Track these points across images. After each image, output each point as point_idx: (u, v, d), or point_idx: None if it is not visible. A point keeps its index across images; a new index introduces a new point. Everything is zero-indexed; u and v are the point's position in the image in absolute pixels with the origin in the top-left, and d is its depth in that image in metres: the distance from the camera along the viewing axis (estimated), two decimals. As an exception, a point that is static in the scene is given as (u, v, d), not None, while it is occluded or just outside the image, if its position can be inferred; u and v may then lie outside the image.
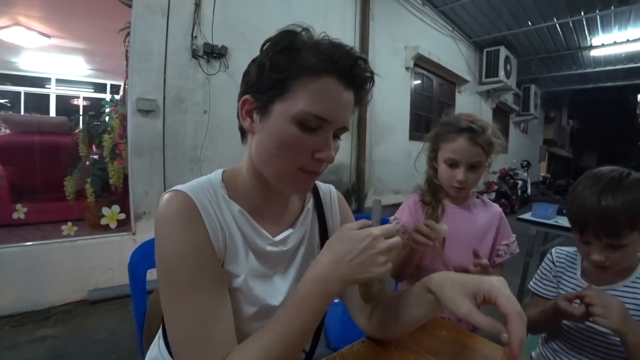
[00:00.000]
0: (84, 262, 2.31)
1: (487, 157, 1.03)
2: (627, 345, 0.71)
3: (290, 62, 0.55)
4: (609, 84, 9.10)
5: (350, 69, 0.57)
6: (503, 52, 6.44)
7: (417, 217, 1.09)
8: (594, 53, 6.92)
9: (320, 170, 0.63)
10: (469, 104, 6.57)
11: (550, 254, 1.01)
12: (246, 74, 0.62)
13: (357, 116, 3.88)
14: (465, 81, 6.10)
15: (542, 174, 11.92)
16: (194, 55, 2.64)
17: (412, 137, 4.95)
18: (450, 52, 5.85)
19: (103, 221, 2.49)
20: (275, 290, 0.68)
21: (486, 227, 1.09)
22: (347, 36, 3.84)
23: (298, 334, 0.54)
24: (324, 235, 0.79)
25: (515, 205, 6.81)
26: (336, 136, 0.62)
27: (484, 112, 7.16)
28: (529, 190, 7.81)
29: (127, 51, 2.58)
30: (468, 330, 1.07)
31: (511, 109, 8.64)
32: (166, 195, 0.60)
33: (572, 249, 0.98)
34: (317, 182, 0.81)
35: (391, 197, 4.59)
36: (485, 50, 6.60)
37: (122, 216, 2.54)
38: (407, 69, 4.79)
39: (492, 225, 1.09)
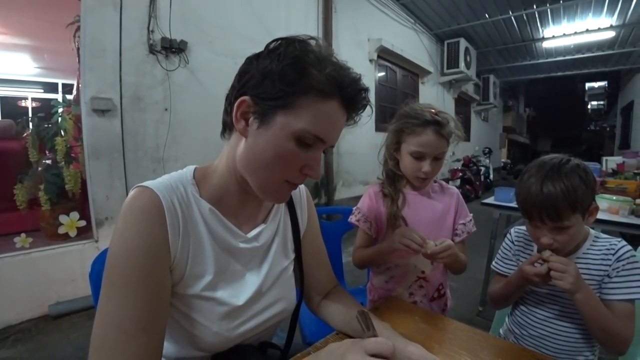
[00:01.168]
0: (42, 275, 2.16)
1: (448, 147, 1.06)
2: (576, 301, 0.80)
3: (300, 78, 0.55)
4: (559, 73, 9.65)
5: (354, 98, 0.60)
6: (463, 43, 6.66)
7: (378, 207, 1.11)
8: (545, 44, 7.33)
9: (302, 183, 0.64)
10: (432, 94, 6.76)
11: (510, 234, 1.06)
12: (244, 72, 0.60)
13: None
14: (428, 72, 6.26)
15: (503, 160, 12.50)
16: (152, 50, 2.52)
17: (378, 128, 5.02)
18: (413, 44, 5.96)
19: (61, 230, 2.34)
20: (244, 289, 0.67)
21: (445, 210, 1.12)
22: (310, 29, 3.82)
23: None
24: (295, 230, 0.80)
25: (479, 191, 7.10)
26: (323, 151, 0.64)
27: (446, 102, 7.39)
28: (491, 176, 8.18)
29: (78, 47, 2.42)
30: (439, 312, 1.12)
31: (472, 99, 8.97)
32: (133, 191, 0.58)
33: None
34: None
35: (360, 189, 4.65)
36: (446, 42, 6.80)
37: (83, 223, 2.39)
38: (371, 61, 4.84)
39: (451, 207, 1.13)
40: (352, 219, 1.12)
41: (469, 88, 8.49)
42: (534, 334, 0.94)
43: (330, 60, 0.58)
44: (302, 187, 0.84)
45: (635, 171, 3.58)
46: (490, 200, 2.34)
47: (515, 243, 1.03)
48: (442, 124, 1.00)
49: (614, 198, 2.09)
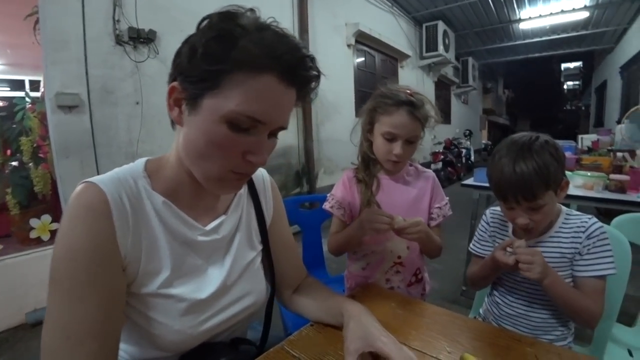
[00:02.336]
0: (16, 283, 2.07)
1: (423, 131, 1.03)
2: (544, 287, 0.82)
3: (226, 53, 0.49)
4: (536, 54, 9.78)
5: (294, 68, 0.52)
6: (441, 26, 6.64)
7: (352, 193, 1.09)
8: (522, 26, 7.38)
9: (252, 172, 0.59)
10: (411, 78, 6.75)
11: (485, 215, 1.06)
12: (177, 54, 0.55)
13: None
14: (407, 56, 6.24)
15: (484, 141, 12.69)
16: (119, 41, 2.40)
17: (359, 114, 4.97)
18: (391, 28, 5.91)
19: (33, 234, 2.24)
20: (207, 283, 0.64)
21: (421, 194, 1.10)
22: (286, 15, 3.72)
23: None
24: (260, 220, 0.76)
25: (461, 172, 7.20)
26: (272, 134, 0.58)
27: (426, 86, 7.41)
28: (472, 158, 8.29)
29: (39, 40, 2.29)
30: (417, 297, 1.12)
31: (452, 82, 9.01)
32: (78, 187, 0.54)
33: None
34: None
35: (342, 175, 4.59)
36: (424, 25, 6.77)
37: (55, 226, 2.30)
38: (349, 46, 4.78)
39: (426, 191, 1.11)
40: (326, 205, 1.10)
41: (449, 71, 8.53)
42: (511, 313, 0.95)
43: (265, 30, 0.52)
44: (265, 176, 0.81)
45: (609, 148, 3.67)
46: (469, 181, 2.35)
47: (491, 224, 1.03)
48: (416, 105, 0.97)
49: (589, 174, 2.14)
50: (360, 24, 4.73)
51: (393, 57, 6.08)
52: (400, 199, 1.07)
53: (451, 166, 6.78)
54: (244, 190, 0.75)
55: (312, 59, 0.55)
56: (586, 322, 0.84)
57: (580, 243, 0.85)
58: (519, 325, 0.94)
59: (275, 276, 0.80)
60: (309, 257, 1.56)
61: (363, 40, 5.07)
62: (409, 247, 1.07)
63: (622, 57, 7.57)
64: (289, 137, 3.77)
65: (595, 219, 0.87)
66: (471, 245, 1.08)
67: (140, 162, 0.62)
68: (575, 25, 7.38)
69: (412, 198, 1.09)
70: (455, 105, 9.71)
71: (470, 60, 9.15)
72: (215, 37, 0.49)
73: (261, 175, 0.80)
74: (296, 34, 3.83)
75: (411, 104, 0.97)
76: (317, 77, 0.58)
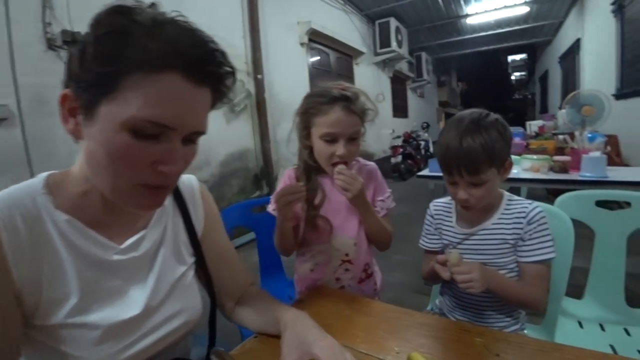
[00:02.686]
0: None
1: (363, 126, 0.98)
2: (490, 291, 0.82)
3: (119, 51, 0.43)
4: (484, 48, 10.22)
5: (201, 64, 0.47)
6: (393, 22, 6.76)
7: None
8: (469, 21, 7.71)
9: (171, 183, 0.53)
10: (367, 74, 6.84)
11: (429, 208, 1.06)
12: (69, 58, 0.48)
13: (254, 98, 3.74)
14: (361, 53, 6.28)
15: (442, 133, 13.10)
16: (51, 45, 2.20)
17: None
18: (344, 25, 5.94)
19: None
20: (128, 305, 0.57)
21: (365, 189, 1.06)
22: (235, 15, 3.62)
23: None
24: (191, 231, 0.70)
25: (421, 164, 7.38)
26: (191, 140, 0.52)
27: (382, 81, 7.54)
28: (431, 149, 8.53)
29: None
30: (370, 293, 1.10)
31: (407, 77, 9.23)
32: None
33: (447, 199, 1.03)
34: None
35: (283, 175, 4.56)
36: (377, 22, 6.87)
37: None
38: (302, 44, 4.74)
39: (370, 185, 1.08)
40: (270, 208, 1.04)
41: (403, 66, 8.72)
42: (462, 304, 0.96)
43: (166, 24, 0.46)
44: (194, 183, 0.75)
45: (553, 132, 3.92)
46: (425, 172, 2.39)
47: (435, 217, 1.03)
48: (351, 99, 0.92)
49: (535, 157, 2.24)
50: (313, 22, 4.69)
51: (348, 55, 6.11)
52: (343, 199, 0.99)
53: (411, 158, 6.94)
54: (168, 201, 0.68)
55: (223, 54, 0.50)
56: (534, 309, 0.87)
57: (522, 229, 0.86)
58: (470, 315, 0.94)
59: (214, 288, 0.74)
60: (266, 262, 1.51)
61: (316, 39, 5.05)
62: (356, 243, 1.05)
63: (560, 48, 8.13)
64: (244, 140, 3.69)
65: (535, 204, 0.89)
66: (420, 240, 1.08)
67: (41, 177, 0.55)
68: (517, 20, 7.80)
69: None
70: (412, 99, 9.96)
71: (424, 55, 9.41)
72: (105, 34, 0.43)
73: (189, 182, 0.74)
74: (247, 34, 3.75)
75: (346, 99, 0.92)
76: (232, 74, 0.53)
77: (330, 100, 0.92)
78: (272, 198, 1.03)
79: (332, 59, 5.65)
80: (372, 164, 1.13)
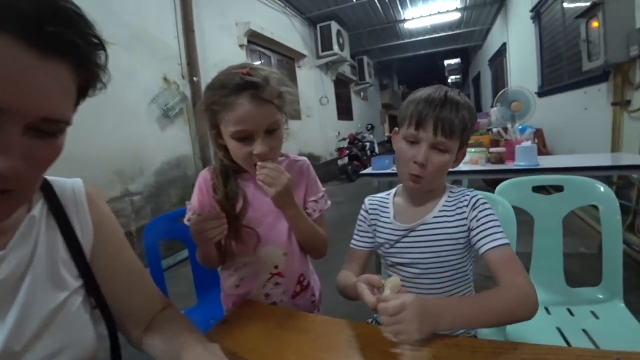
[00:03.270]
0: None
1: (282, 113, 0.82)
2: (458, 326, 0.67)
3: None
4: (422, 52, 10.69)
5: (43, 25, 0.34)
6: (334, 26, 6.81)
7: (210, 199, 0.88)
8: (407, 25, 8.01)
9: (14, 186, 0.38)
10: (310, 78, 6.83)
11: (364, 203, 0.95)
12: None
13: (191, 102, 3.51)
14: (303, 56, 6.25)
15: (387, 134, 13.51)
16: None
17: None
18: (285, 28, 5.86)
19: None
20: None
21: (295, 189, 0.89)
22: (167, 14, 3.37)
23: None
24: (73, 246, 0.55)
25: (367, 165, 7.50)
26: (44, 132, 0.38)
27: (325, 84, 7.57)
28: (376, 150, 8.74)
29: None
30: (307, 307, 0.98)
31: (350, 79, 9.36)
32: None
33: (383, 194, 0.95)
34: (52, 178, 0.57)
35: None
36: (318, 26, 6.87)
37: None
38: (241, 46, 4.57)
39: (301, 184, 0.95)
40: (186, 218, 0.88)
41: (346, 69, 8.84)
42: None
43: None
44: (77, 186, 0.59)
45: (488, 127, 4.16)
46: (368, 170, 2.38)
47: (370, 212, 0.92)
48: (260, 86, 0.75)
49: (473, 150, 2.34)
50: (252, 24, 4.55)
51: (290, 57, 6.04)
52: (269, 202, 0.84)
53: (357, 160, 7.01)
54: (38, 212, 0.53)
55: (84, 20, 0.38)
56: (530, 308, 0.63)
57: (466, 217, 0.79)
58: None
59: (114, 314, 0.60)
60: (200, 277, 1.34)
61: (256, 40, 4.91)
62: (286, 253, 0.92)
63: (489, 52, 8.80)
64: (181, 147, 3.43)
65: (475, 192, 0.84)
66: (352, 241, 0.94)
67: None
68: (450, 25, 8.25)
69: None
70: (356, 101, 10.13)
71: (365, 58, 9.61)
72: None
73: (71, 187, 0.58)
74: (180, 34, 3.52)
75: (253, 86, 0.74)
76: (99, 46, 0.40)
77: (235, 91, 0.75)
78: (188, 209, 0.89)
79: (274, 61, 5.53)
80: (303, 158, 1.00)
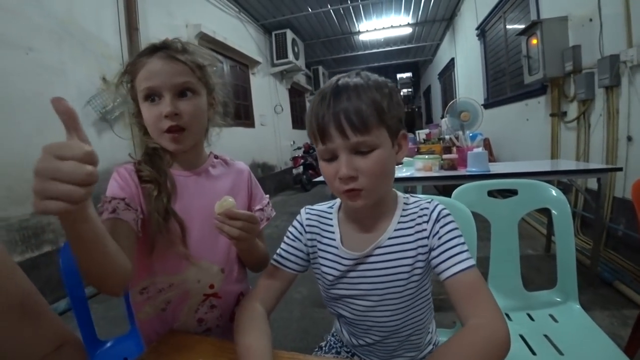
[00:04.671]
0: None
1: (204, 85, 0.77)
2: None
3: None
4: (376, 64, 10.99)
5: None
6: (289, 34, 6.78)
7: (138, 192, 0.73)
8: (361, 37, 8.18)
9: None
10: (264, 85, 6.71)
11: (299, 214, 0.77)
12: None
13: (134, 106, 3.24)
14: (258, 62, 6.12)
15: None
16: None
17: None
18: (239, 33, 5.71)
19: None
20: None
21: (234, 193, 0.78)
22: (106, 7, 3.10)
23: None
24: None
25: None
26: None
27: (280, 93, 7.50)
28: (331, 158, 8.75)
29: None
30: None
31: (305, 89, 9.39)
32: None
33: (324, 206, 0.76)
34: None
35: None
36: (273, 33, 6.80)
37: None
38: (191, 49, 4.36)
39: (241, 189, 0.86)
40: (104, 215, 0.65)
41: (301, 79, 8.83)
42: (364, 344, 0.73)
43: None
44: None
45: (439, 137, 4.32)
46: (321, 177, 2.30)
47: (308, 229, 0.73)
48: (175, 48, 0.74)
49: (427, 157, 2.36)
50: (203, 26, 4.36)
51: (243, 64, 5.87)
52: (205, 202, 0.74)
53: (312, 169, 6.95)
54: None
55: None
56: (502, 353, 0.50)
57: (428, 235, 0.64)
58: (376, 352, 0.73)
59: None
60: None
61: (207, 44, 4.70)
62: (223, 269, 0.79)
63: (438, 66, 9.28)
64: (122, 153, 3.12)
65: (435, 202, 0.68)
66: (275, 257, 0.74)
67: None
68: (402, 39, 8.57)
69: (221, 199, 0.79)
70: (311, 111, 10.16)
71: (321, 68, 9.68)
72: None
73: None
74: (123, 32, 3.26)
75: (167, 47, 0.73)
76: None
77: (148, 52, 0.72)
78: (103, 203, 0.68)
79: (226, 67, 5.35)
80: (241, 163, 0.90)
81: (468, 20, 5.88)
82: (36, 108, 2.30)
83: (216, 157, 0.87)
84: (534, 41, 3.11)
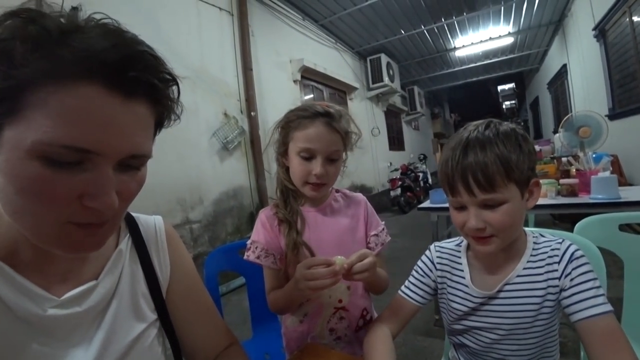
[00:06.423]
0: None
1: (344, 150, 0.91)
2: None
3: (21, 62, 0.33)
4: (474, 79, 10.47)
5: (125, 70, 0.37)
6: (384, 58, 6.93)
7: (275, 234, 0.91)
8: (457, 53, 7.92)
9: (108, 219, 0.41)
10: (361, 109, 6.90)
11: (429, 250, 0.83)
12: None
13: (249, 135, 3.69)
14: (355, 88, 6.38)
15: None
16: None
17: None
18: (336, 62, 6.06)
19: None
20: None
21: (354, 223, 0.95)
22: (227, 54, 3.65)
23: None
24: (152, 281, 0.57)
25: (420, 196, 7.28)
26: (130, 166, 0.42)
27: (377, 115, 7.60)
28: (429, 180, 8.46)
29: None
30: None
31: (401, 110, 9.35)
32: None
33: (452, 244, 0.82)
34: (136, 215, 0.61)
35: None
36: (368, 59, 7.04)
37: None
38: (295, 81, 4.78)
39: (359, 219, 0.97)
40: (250, 256, 0.90)
41: (397, 100, 8.84)
42: None
43: (87, 28, 0.37)
44: (159, 223, 0.63)
45: (551, 156, 3.85)
46: (426, 204, 2.27)
47: (438, 266, 0.79)
48: (334, 117, 0.87)
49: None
50: (305, 60, 4.77)
51: (341, 90, 6.19)
52: (330, 234, 0.91)
53: (410, 191, 6.84)
54: (125, 245, 0.56)
55: (157, 58, 0.41)
56: None
57: (559, 275, 0.64)
58: None
59: (182, 350, 0.61)
60: (257, 309, 1.34)
61: (309, 76, 5.12)
62: (349, 287, 0.91)
63: (547, 75, 8.35)
64: (239, 177, 3.59)
65: (567, 241, 0.67)
66: (402, 288, 0.81)
67: None
68: (503, 50, 8.02)
69: (344, 229, 0.94)
70: (407, 131, 10.03)
71: (416, 88, 9.60)
72: (3, 40, 0.33)
73: (153, 223, 0.63)
74: (239, 72, 3.77)
75: (328, 115, 0.86)
76: (172, 81, 0.43)
77: (312, 115, 0.86)
78: (252, 245, 0.91)
79: (326, 94, 5.71)
80: (359, 195, 1.03)
81: (582, 21, 5.22)
82: (177, 141, 2.83)
83: (337, 191, 1.01)
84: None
